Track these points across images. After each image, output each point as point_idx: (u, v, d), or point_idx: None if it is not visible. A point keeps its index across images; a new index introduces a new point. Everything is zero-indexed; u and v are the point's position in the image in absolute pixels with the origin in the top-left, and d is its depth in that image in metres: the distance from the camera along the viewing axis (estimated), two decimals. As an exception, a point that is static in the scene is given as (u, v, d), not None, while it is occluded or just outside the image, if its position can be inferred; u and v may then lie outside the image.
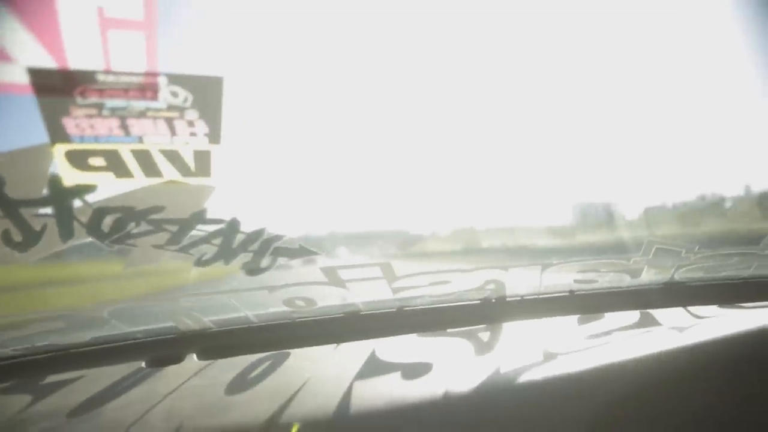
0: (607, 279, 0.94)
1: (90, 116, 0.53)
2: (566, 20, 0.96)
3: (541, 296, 0.93)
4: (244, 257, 0.72)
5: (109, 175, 0.58)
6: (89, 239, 0.64)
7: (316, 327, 0.86)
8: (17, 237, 0.61)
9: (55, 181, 0.58)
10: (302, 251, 0.74)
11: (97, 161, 0.57)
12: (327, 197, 0.92)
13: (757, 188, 1.13)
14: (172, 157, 0.58)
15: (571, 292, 0.94)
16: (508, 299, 0.92)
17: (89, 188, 0.60)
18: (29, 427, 0.66)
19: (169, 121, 0.55)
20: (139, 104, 0.54)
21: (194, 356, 0.81)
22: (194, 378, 0.76)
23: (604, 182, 1.10)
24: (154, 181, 0.60)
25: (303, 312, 0.85)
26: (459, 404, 0.70)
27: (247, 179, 0.66)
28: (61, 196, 0.59)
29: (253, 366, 0.79)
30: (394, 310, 0.89)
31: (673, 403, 0.76)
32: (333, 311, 0.87)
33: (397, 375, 0.75)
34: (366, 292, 0.85)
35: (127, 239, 0.66)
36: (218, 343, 0.83)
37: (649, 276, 0.93)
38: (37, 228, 0.61)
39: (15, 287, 0.75)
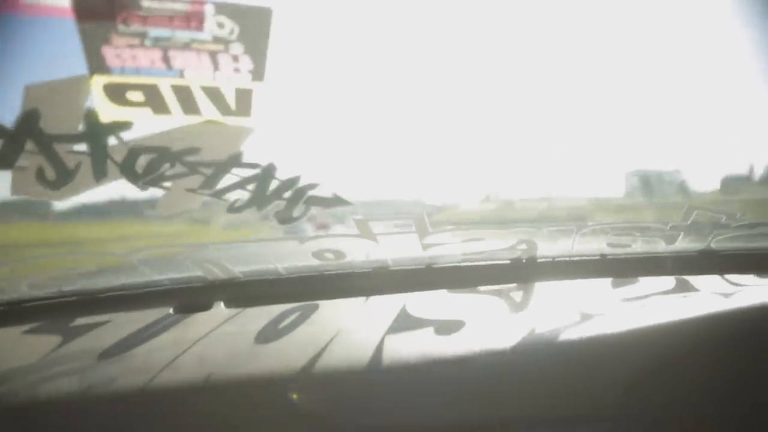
0: (640, 244, 0.92)
1: (132, 46, 0.51)
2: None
3: (572, 258, 0.91)
4: (276, 205, 0.70)
5: (147, 111, 0.56)
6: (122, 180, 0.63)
7: (345, 280, 0.85)
8: (50, 174, 0.60)
9: (91, 116, 0.56)
10: (336, 201, 0.72)
11: (136, 96, 0.55)
12: (366, 152, 0.90)
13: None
14: (213, 94, 0.56)
15: (603, 255, 0.92)
16: (539, 260, 0.90)
17: (126, 125, 0.58)
18: (60, 366, 0.66)
19: (213, 55, 0.53)
20: (183, 35, 0.51)
21: (222, 304, 0.80)
22: (223, 325, 0.75)
23: (645, 149, 1.07)
24: (192, 119, 0.58)
25: (331, 265, 0.83)
26: (494, 361, 0.69)
27: (287, 123, 0.64)
28: (96, 132, 0.58)
29: (282, 316, 0.78)
30: (424, 266, 0.88)
31: (711, 369, 0.75)
32: (362, 266, 0.86)
33: (430, 330, 0.73)
34: (396, 247, 0.84)
35: (161, 181, 0.64)
36: (246, 292, 0.83)
37: (684, 243, 0.91)
38: (71, 165, 0.60)
39: (47, 234, 0.75)
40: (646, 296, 0.84)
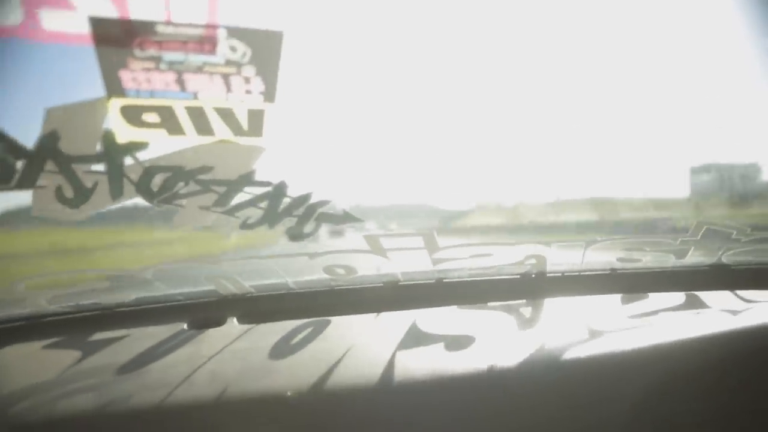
0: (650, 258, 0.91)
1: (147, 69, 0.52)
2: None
3: (582, 273, 0.91)
4: (288, 222, 0.72)
5: (162, 132, 0.58)
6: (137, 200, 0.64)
7: (356, 295, 0.86)
8: (68, 193, 0.61)
9: (108, 137, 0.58)
10: (347, 218, 0.74)
11: (151, 117, 0.56)
12: (375, 167, 0.91)
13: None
14: (226, 115, 0.58)
15: (613, 270, 0.92)
16: (548, 275, 0.90)
17: (141, 145, 0.59)
18: (79, 381, 0.67)
19: (226, 77, 0.54)
20: (196, 58, 0.53)
21: (234, 320, 0.82)
22: (237, 341, 0.76)
23: (653, 158, 1.06)
24: (205, 139, 0.60)
25: (342, 280, 0.84)
26: (504, 378, 0.69)
27: (297, 142, 0.65)
28: (113, 152, 0.59)
29: (295, 332, 0.79)
30: (433, 281, 0.88)
31: (722, 388, 0.74)
32: (372, 281, 0.86)
33: (440, 346, 0.74)
34: (406, 262, 0.84)
35: (175, 199, 0.65)
36: (259, 307, 0.84)
37: (694, 257, 0.91)
38: (89, 185, 0.62)
39: (65, 248, 0.76)
40: (656, 312, 0.84)
